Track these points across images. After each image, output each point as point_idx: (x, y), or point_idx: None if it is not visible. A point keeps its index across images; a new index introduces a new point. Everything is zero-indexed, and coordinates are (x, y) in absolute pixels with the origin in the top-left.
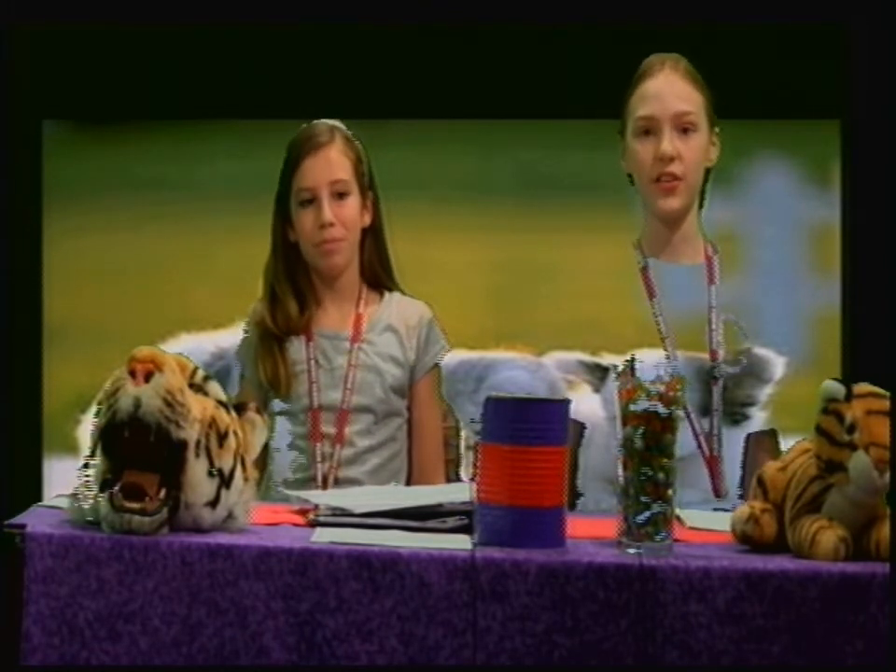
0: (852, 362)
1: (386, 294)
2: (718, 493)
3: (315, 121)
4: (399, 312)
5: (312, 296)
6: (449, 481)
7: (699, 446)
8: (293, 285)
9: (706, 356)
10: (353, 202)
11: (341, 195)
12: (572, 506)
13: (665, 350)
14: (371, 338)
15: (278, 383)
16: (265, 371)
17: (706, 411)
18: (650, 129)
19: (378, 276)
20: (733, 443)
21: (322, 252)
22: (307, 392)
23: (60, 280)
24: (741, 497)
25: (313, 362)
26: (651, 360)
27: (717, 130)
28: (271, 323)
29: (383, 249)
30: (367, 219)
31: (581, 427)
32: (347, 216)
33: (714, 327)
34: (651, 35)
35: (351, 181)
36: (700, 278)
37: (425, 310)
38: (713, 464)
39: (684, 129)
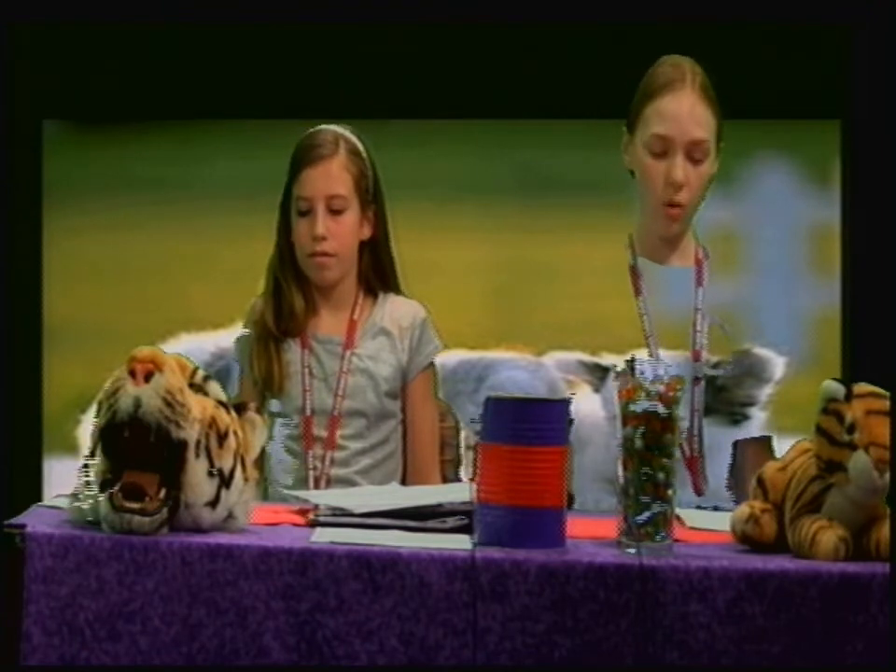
0: (852, 362)
1: (381, 296)
2: (698, 490)
3: (323, 127)
4: (392, 313)
5: (309, 300)
6: (448, 481)
7: (679, 446)
8: (294, 287)
9: (689, 355)
10: (349, 218)
11: (337, 211)
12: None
13: (649, 350)
14: (365, 343)
15: (272, 381)
16: (259, 368)
17: (689, 411)
18: (662, 149)
19: (374, 286)
20: (728, 443)
21: (312, 265)
22: (300, 396)
23: (60, 280)
24: (733, 498)
25: (306, 368)
26: (651, 360)
27: (721, 144)
28: (272, 319)
29: (385, 261)
30: (366, 232)
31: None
32: (342, 232)
33: (699, 329)
34: (651, 35)
35: (350, 197)
36: (689, 280)
37: (418, 310)
38: (693, 464)
39: (696, 156)
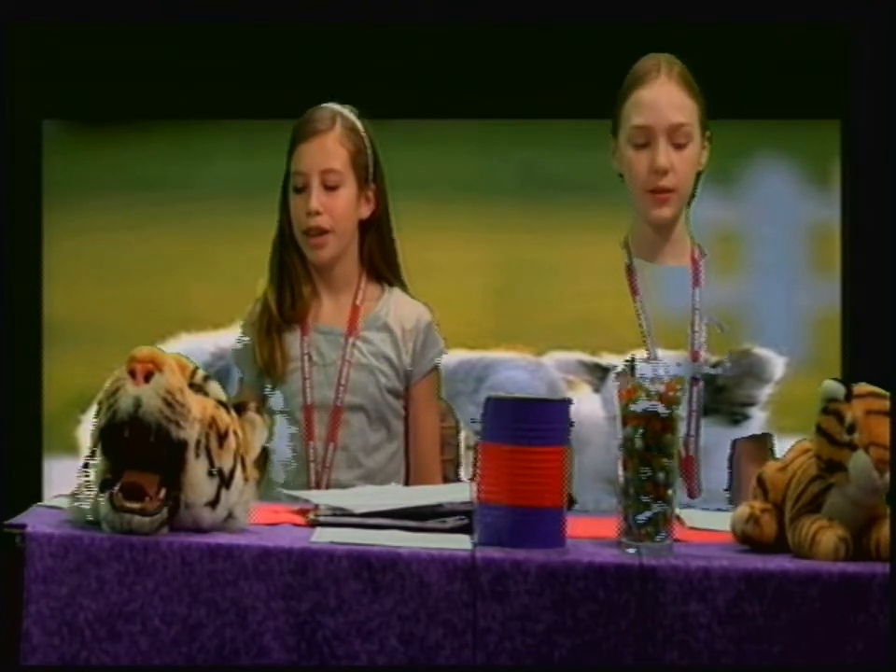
0: (852, 362)
1: (387, 289)
2: (691, 493)
3: (322, 105)
4: (397, 312)
5: (309, 284)
6: (449, 481)
7: None
8: (294, 269)
9: (687, 356)
10: (345, 194)
11: (332, 186)
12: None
13: (647, 349)
14: (367, 335)
15: (274, 369)
16: (262, 354)
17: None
18: (644, 139)
19: (379, 269)
20: (729, 444)
21: (307, 243)
22: (300, 389)
23: (60, 280)
24: (730, 500)
25: (306, 357)
26: (651, 360)
27: (708, 133)
28: (275, 305)
29: (387, 242)
30: (365, 211)
31: None
32: (337, 207)
33: (697, 329)
34: (651, 35)
35: (345, 172)
36: (685, 280)
37: (423, 313)
38: (688, 464)
39: (678, 141)
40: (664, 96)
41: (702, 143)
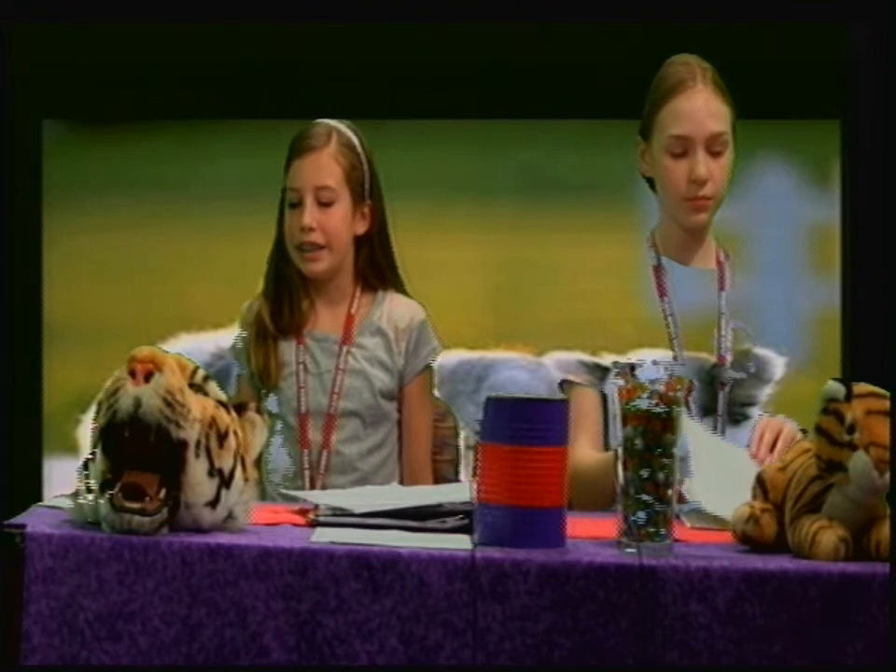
0: (852, 362)
1: (380, 293)
2: None
3: (319, 121)
4: (390, 313)
5: (306, 296)
6: (446, 480)
7: None
8: (291, 282)
9: (710, 357)
10: (339, 210)
11: (326, 203)
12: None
13: (673, 350)
14: (361, 341)
15: (268, 376)
16: (256, 362)
17: (708, 413)
18: (682, 149)
19: (374, 282)
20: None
21: (300, 257)
22: (295, 396)
23: (60, 280)
24: None
25: (301, 366)
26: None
27: (736, 134)
28: (268, 317)
29: (381, 257)
30: (361, 227)
31: (603, 396)
32: (330, 223)
33: (723, 333)
34: (651, 36)
35: (339, 189)
36: (710, 282)
37: (416, 311)
38: None
39: (716, 149)
40: (702, 105)
41: (733, 146)
